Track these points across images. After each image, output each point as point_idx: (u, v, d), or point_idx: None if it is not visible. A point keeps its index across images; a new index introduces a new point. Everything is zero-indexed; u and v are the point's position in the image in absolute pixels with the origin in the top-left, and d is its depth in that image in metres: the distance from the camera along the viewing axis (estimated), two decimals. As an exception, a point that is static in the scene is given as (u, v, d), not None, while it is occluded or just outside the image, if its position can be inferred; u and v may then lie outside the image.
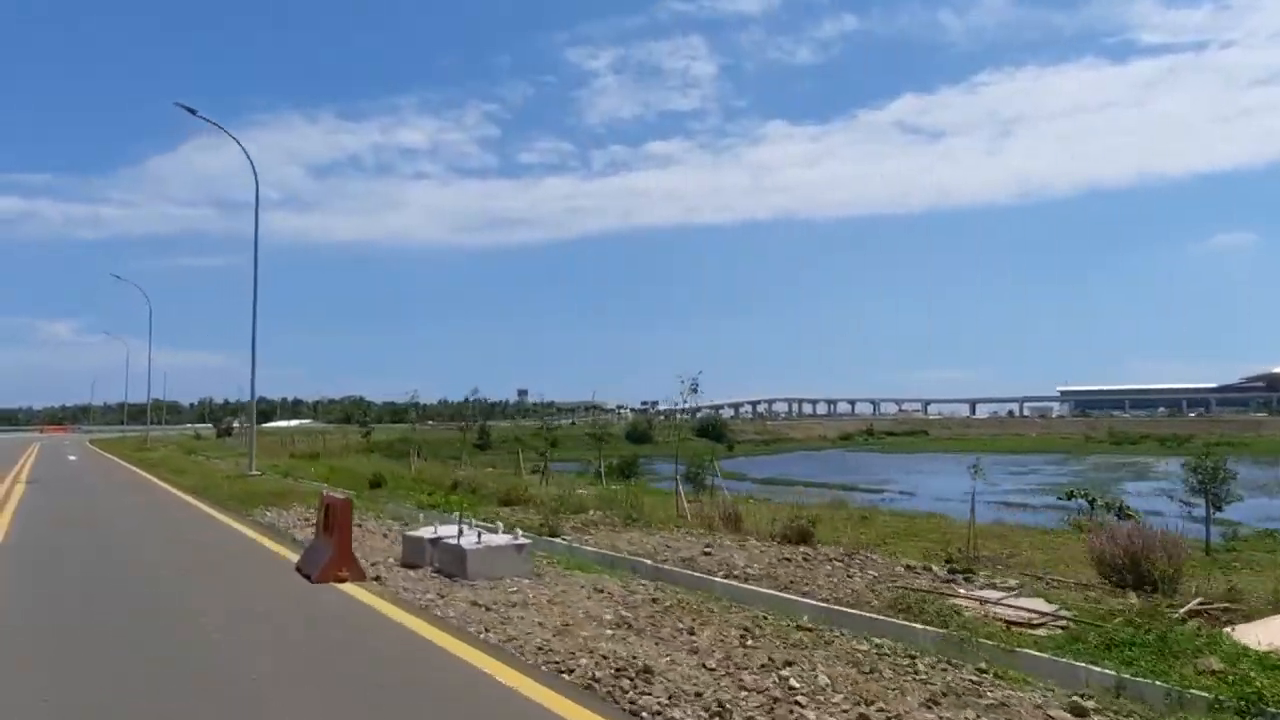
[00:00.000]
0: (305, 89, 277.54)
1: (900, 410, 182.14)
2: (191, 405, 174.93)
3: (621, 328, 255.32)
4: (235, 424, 78.12)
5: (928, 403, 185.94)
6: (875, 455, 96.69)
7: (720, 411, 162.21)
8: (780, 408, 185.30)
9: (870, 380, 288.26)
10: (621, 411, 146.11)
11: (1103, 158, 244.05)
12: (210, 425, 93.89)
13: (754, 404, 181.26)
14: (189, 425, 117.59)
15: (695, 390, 21.09)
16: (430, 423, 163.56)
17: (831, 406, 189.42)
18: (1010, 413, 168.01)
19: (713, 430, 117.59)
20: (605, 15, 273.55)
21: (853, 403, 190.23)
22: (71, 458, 34.77)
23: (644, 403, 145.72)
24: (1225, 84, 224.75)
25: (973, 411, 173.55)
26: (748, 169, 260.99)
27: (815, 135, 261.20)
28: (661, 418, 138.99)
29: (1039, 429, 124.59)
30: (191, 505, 15.59)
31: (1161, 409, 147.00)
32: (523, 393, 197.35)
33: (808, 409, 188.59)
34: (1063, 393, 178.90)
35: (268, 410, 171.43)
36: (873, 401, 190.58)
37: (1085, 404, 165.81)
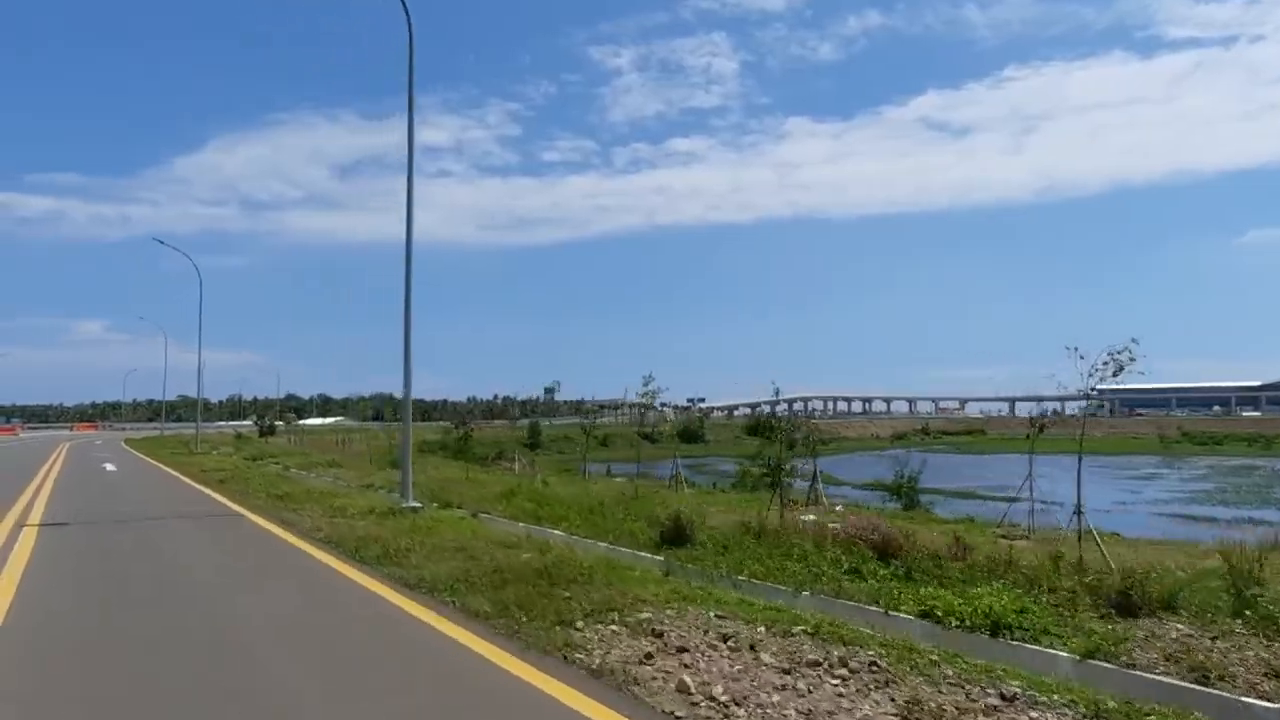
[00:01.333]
0: (326, 89, 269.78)
1: (939, 408, 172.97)
2: (220, 402, 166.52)
3: (645, 326, 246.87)
4: (280, 423, 69.53)
5: (965, 400, 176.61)
6: (949, 456, 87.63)
7: (757, 410, 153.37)
8: (815, 406, 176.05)
9: (893, 378, 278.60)
10: (664, 409, 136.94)
11: (1130, 154, 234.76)
12: (250, 423, 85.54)
13: (789, 402, 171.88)
14: (222, 423, 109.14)
15: (1118, 373, 12.59)
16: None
17: (866, 405, 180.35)
18: (1055, 411, 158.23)
19: (764, 428, 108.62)
20: (627, 13, 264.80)
21: (888, 401, 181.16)
22: (109, 468, 25.86)
23: (690, 399, 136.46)
24: (1254, 79, 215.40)
25: (1012, 410, 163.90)
26: (770, 166, 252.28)
27: (838, 132, 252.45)
28: (704, 416, 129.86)
29: (1104, 429, 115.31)
30: (404, 617, 6.51)
31: (1216, 407, 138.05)
32: (550, 390, 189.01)
33: (842, 406, 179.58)
34: (1100, 391, 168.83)
35: (298, 407, 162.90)
36: (909, 399, 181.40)
37: (1130, 403, 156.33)
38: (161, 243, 33.48)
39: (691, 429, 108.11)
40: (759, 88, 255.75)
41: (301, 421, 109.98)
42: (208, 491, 16.99)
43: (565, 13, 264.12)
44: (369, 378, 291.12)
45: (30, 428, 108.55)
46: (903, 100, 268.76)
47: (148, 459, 31.17)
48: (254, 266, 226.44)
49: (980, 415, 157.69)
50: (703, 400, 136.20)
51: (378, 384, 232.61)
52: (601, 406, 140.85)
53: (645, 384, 18.70)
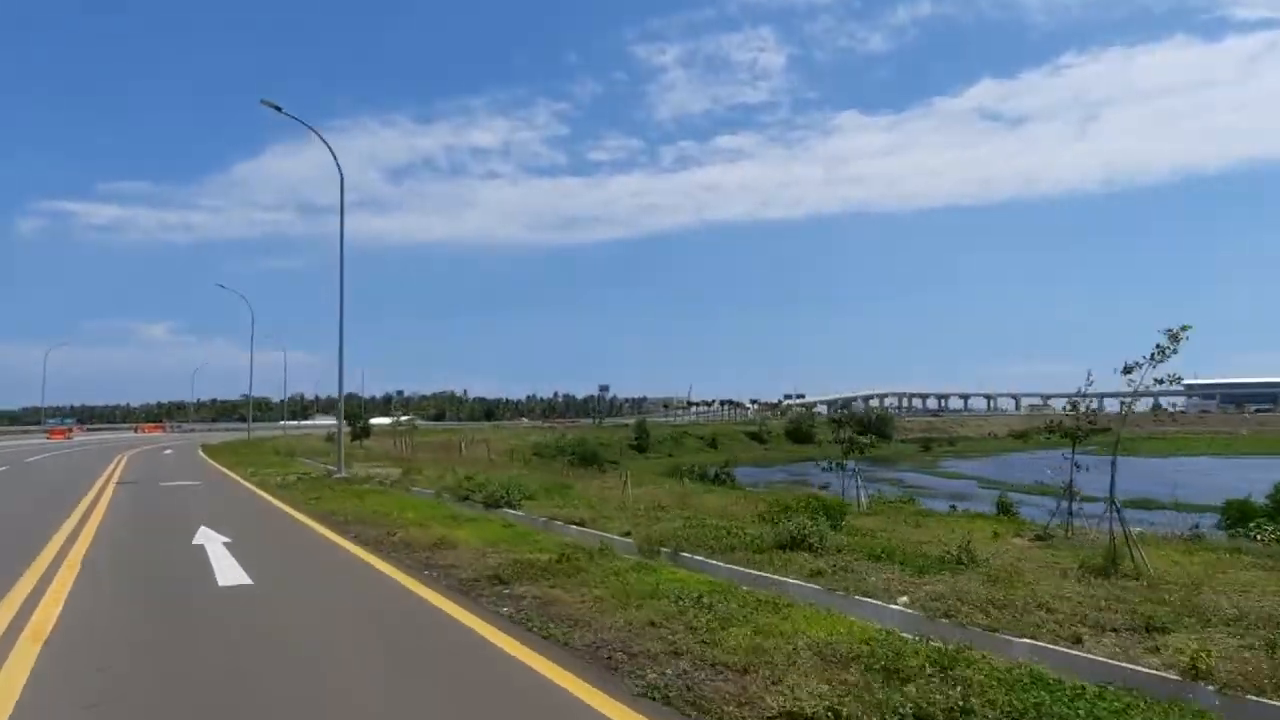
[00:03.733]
0: (380, 93, 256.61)
1: (1020, 405, 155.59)
2: (281, 401, 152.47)
3: (695, 324, 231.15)
4: (386, 420, 54.09)
5: (1047, 397, 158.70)
6: (1137, 461, 68.66)
7: (834, 405, 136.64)
8: (890, 403, 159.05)
9: (950, 374, 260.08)
10: (750, 406, 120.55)
11: (1198, 141, 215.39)
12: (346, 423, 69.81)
13: (865, 399, 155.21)
14: (290, 422, 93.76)
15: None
16: (524, 420, 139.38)
17: (942, 401, 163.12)
18: (1156, 406, 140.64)
19: (875, 427, 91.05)
20: (673, 9, 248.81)
21: (964, 397, 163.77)
22: (228, 574, 7.22)
23: (786, 395, 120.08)
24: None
25: (1100, 405, 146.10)
26: (820, 161, 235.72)
27: (890, 125, 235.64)
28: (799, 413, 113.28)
29: (1249, 426, 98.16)
30: None
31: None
32: (604, 388, 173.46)
33: (916, 404, 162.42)
34: (1188, 386, 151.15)
35: (365, 405, 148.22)
36: (986, 396, 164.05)
37: (1232, 397, 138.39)
38: (277, 108, 18.36)
39: (803, 429, 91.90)
40: (807, 82, 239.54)
41: (373, 420, 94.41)
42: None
43: (611, 11, 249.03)
44: (429, 377, 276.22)
45: (91, 429, 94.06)
46: (957, 91, 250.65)
47: (273, 501, 15.51)
48: (310, 268, 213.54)
49: (1072, 411, 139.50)
50: (801, 396, 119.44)
51: (440, 382, 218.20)
52: (690, 404, 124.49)
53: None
